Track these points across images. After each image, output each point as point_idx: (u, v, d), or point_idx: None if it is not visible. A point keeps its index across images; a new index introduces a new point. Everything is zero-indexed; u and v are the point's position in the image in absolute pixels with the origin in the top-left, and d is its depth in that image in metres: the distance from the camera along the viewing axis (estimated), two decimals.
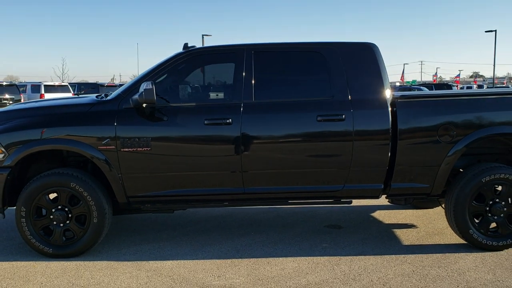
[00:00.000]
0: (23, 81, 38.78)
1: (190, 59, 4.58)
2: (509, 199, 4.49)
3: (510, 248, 4.47)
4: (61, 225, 4.32)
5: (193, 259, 4.31)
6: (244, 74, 4.39)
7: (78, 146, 4.24)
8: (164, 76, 4.52)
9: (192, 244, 4.73)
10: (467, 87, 48.30)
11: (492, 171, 4.38)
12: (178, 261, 4.27)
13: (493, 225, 4.50)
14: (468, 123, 4.33)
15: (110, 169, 4.28)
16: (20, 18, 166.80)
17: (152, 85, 4.10)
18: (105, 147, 4.26)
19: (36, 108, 4.60)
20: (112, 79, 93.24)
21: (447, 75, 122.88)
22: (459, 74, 77.01)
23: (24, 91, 23.75)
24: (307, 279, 3.86)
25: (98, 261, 4.27)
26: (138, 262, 4.26)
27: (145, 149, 4.26)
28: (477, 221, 4.50)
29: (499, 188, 4.49)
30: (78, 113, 4.35)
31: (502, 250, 4.44)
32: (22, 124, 4.29)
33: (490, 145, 4.77)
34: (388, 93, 4.39)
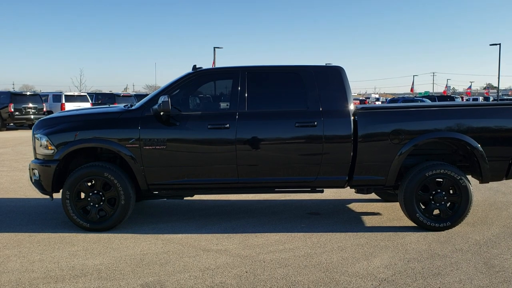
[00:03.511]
0: (40, 91, 40.71)
1: (198, 78, 5.85)
2: (450, 190, 5.65)
3: (449, 229, 5.61)
4: (96, 205, 5.58)
5: (198, 233, 5.54)
6: (239, 89, 5.64)
7: (111, 144, 5.52)
8: (177, 91, 5.76)
9: (198, 224, 5.96)
10: (473, 99, 49.14)
11: (434, 167, 5.55)
12: (186, 234, 5.51)
13: (437, 211, 5.66)
14: (412, 130, 5.52)
15: (134, 162, 5.53)
16: (34, 28, 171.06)
17: (168, 98, 5.36)
18: (131, 146, 5.52)
19: (79, 115, 5.90)
20: (126, 88, 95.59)
21: (460, 87, 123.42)
22: (470, 86, 77.84)
23: (46, 101, 25.33)
24: (284, 246, 5.07)
25: (125, 233, 5.52)
26: (155, 234, 5.50)
27: (162, 147, 5.51)
28: (423, 207, 5.66)
29: (442, 181, 5.64)
30: (112, 119, 5.63)
31: (443, 230, 5.59)
32: (69, 127, 5.58)
33: (436, 147, 5.94)
34: (351, 105, 5.60)
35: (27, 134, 20.28)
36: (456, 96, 43.39)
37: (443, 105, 5.91)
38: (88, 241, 5.24)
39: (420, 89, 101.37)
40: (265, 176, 5.63)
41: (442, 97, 34.94)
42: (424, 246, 5.05)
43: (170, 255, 4.78)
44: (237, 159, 5.52)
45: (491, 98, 51.86)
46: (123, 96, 31.68)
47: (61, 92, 26.64)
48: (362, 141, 5.52)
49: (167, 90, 5.72)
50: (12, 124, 23.63)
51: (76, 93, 27.44)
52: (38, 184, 5.75)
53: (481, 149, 5.56)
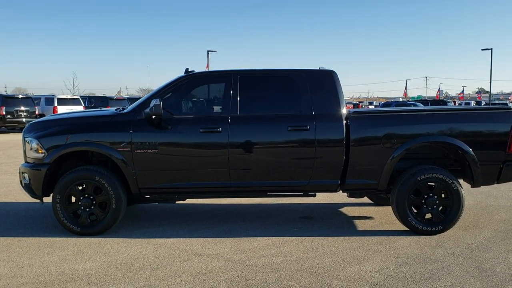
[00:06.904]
0: (32, 94, 40.49)
1: (190, 81, 5.83)
2: (442, 194, 5.65)
3: (441, 233, 5.61)
4: (87, 209, 5.53)
5: (190, 238, 5.50)
6: (231, 93, 5.62)
7: (102, 148, 5.47)
8: (169, 94, 5.73)
9: (189, 228, 5.92)
10: (465, 103, 49.48)
11: (426, 171, 5.55)
12: (178, 238, 5.47)
13: (429, 215, 5.66)
14: (405, 134, 5.53)
15: (126, 166, 5.49)
16: (28, 31, 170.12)
17: (160, 101, 5.33)
18: (122, 149, 5.47)
19: (71, 118, 5.84)
20: (119, 92, 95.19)
21: (452, 91, 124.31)
22: (463, 90, 78.53)
23: (38, 104, 25.16)
24: (276, 250, 5.05)
25: (116, 238, 5.47)
26: (146, 239, 5.46)
27: (154, 151, 5.47)
28: (416, 211, 5.66)
29: (434, 185, 5.64)
30: (103, 122, 5.59)
31: (435, 234, 5.59)
32: (60, 130, 5.53)
33: (428, 151, 5.95)
34: (343, 109, 5.60)
35: (19, 137, 20.12)
36: (449, 100, 43.67)
37: (435, 110, 5.92)
38: (79, 246, 5.18)
39: (413, 93, 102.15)
40: (258, 180, 5.61)
41: (434, 101, 35.12)
42: (416, 250, 5.05)
43: (161, 260, 4.74)
44: (229, 163, 5.50)
45: (483, 103, 52.23)
46: (116, 99, 31.49)
47: (53, 95, 26.47)
48: (354, 145, 5.51)
49: (159, 93, 5.69)
50: (3, 127, 23.46)
51: (68, 96, 27.25)
52: (28, 187, 5.69)
53: (472, 153, 5.57)
